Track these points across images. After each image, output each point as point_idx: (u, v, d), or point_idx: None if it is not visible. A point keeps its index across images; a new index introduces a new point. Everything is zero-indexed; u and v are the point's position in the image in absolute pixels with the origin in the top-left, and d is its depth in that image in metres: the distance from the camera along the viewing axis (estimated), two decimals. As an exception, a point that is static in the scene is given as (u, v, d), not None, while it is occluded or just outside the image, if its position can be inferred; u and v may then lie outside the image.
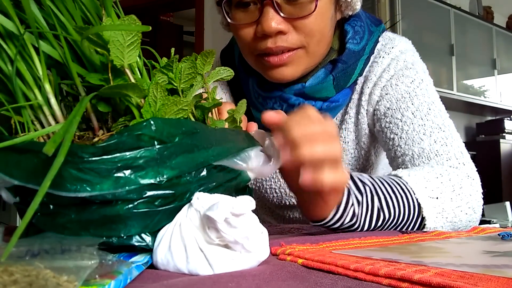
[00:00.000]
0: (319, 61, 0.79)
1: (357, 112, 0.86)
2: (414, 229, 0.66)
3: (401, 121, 0.79)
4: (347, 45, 0.80)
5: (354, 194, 0.59)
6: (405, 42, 0.86)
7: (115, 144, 0.37)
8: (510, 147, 4.25)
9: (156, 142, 0.39)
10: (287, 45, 0.72)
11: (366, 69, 0.85)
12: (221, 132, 0.46)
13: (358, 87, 0.86)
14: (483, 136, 4.33)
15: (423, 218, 0.65)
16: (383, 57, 0.84)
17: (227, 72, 0.55)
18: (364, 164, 0.91)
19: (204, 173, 0.43)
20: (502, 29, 4.51)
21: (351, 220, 0.58)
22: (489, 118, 4.70)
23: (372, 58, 0.85)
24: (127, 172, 0.38)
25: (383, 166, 0.95)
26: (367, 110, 0.85)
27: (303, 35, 0.73)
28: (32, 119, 0.44)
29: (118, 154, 0.37)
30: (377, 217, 0.61)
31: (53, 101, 0.44)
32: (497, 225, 3.35)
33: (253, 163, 0.49)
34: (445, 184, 0.67)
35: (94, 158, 0.37)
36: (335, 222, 0.58)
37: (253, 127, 0.57)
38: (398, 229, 0.64)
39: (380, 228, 0.62)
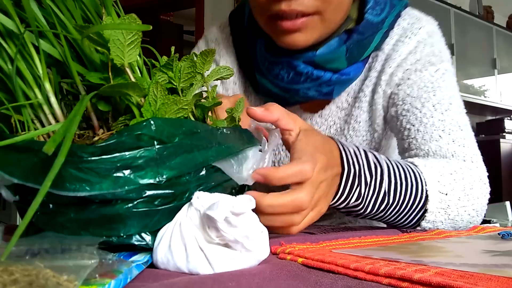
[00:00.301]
0: (334, 29, 0.74)
1: (374, 91, 0.81)
2: (414, 220, 0.66)
3: (420, 112, 0.75)
4: (366, 15, 0.75)
5: (364, 174, 0.58)
6: (432, 24, 0.82)
7: (114, 144, 0.37)
8: (510, 147, 4.25)
9: (155, 142, 0.39)
10: (302, 9, 0.67)
11: (389, 47, 0.80)
12: (221, 132, 0.46)
13: (378, 65, 0.81)
14: (483, 135, 4.33)
15: (425, 210, 0.65)
16: (409, 37, 0.79)
17: (227, 71, 0.55)
18: (376, 148, 0.88)
19: (203, 172, 0.43)
20: (503, 28, 4.51)
21: (356, 200, 0.58)
22: (489, 117, 4.70)
23: (396, 36, 0.80)
24: (127, 172, 0.38)
25: (393, 150, 0.92)
26: (384, 90, 0.80)
27: (320, 0, 0.68)
28: (32, 118, 0.44)
29: (117, 154, 0.37)
30: (381, 201, 0.61)
31: (53, 100, 0.44)
32: (497, 225, 3.35)
33: (248, 164, 0.49)
34: (458, 182, 0.67)
35: (93, 158, 0.37)
36: (341, 202, 0.58)
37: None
38: (399, 217, 0.64)
39: (383, 213, 0.62)
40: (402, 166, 0.64)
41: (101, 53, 0.44)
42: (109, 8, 0.45)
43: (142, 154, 0.38)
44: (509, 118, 4.38)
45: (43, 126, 0.44)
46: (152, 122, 0.39)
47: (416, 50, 0.79)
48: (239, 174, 0.47)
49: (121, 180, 0.37)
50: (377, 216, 0.63)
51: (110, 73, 0.43)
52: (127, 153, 0.37)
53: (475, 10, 4.27)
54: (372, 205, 0.60)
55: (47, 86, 0.43)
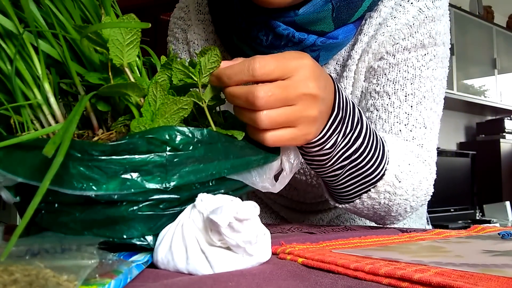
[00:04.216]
0: None
1: (360, 58, 0.72)
2: (358, 192, 0.63)
3: (389, 99, 0.71)
4: None
5: (346, 123, 0.55)
6: None
7: (125, 144, 0.37)
8: (510, 147, 4.24)
9: (167, 148, 0.38)
10: None
11: (387, 10, 0.71)
12: (242, 145, 0.45)
13: (371, 29, 0.71)
14: (483, 135, 4.33)
15: (374, 186, 0.63)
16: (411, 2, 0.70)
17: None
18: None
19: (212, 182, 0.42)
20: (503, 28, 4.51)
21: (329, 148, 0.55)
22: (489, 117, 4.70)
23: None
24: (134, 175, 0.37)
25: None
26: (369, 59, 0.72)
27: None
28: (32, 118, 0.44)
29: (127, 156, 0.37)
30: (346, 158, 0.57)
31: (52, 100, 0.44)
32: (497, 225, 3.35)
33: (264, 179, 0.47)
34: (412, 175, 0.65)
35: (103, 157, 0.36)
36: (318, 144, 0.54)
37: None
38: (348, 182, 0.61)
39: (339, 171, 0.59)
40: (376, 134, 0.61)
41: (100, 53, 0.44)
42: (108, 9, 0.45)
43: (152, 159, 0.38)
44: (509, 118, 4.38)
45: (42, 126, 0.44)
46: (166, 128, 0.38)
47: (413, 23, 0.70)
48: (262, 184, 0.46)
49: (128, 183, 0.37)
50: (330, 175, 0.60)
51: (109, 73, 0.43)
52: (137, 156, 0.37)
53: (475, 10, 4.27)
54: (337, 159, 0.57)
55: (47, 86, 0.43)
